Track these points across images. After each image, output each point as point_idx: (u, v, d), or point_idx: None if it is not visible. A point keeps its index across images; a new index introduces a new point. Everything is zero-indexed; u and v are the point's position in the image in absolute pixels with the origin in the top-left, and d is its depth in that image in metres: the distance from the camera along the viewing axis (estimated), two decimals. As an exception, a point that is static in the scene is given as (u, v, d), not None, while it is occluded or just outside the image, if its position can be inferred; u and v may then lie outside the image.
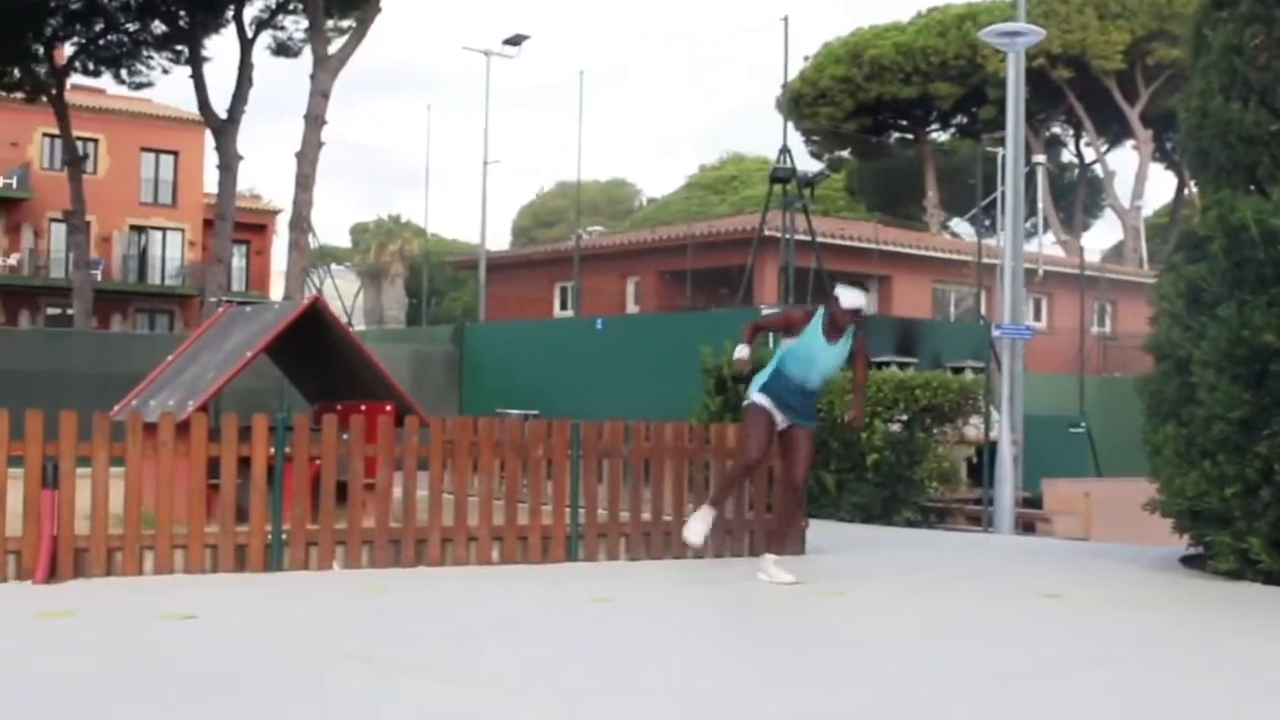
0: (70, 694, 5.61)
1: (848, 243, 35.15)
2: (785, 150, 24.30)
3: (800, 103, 53.43)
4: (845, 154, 61.03)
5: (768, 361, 9.95)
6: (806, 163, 49.10)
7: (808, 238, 24.37)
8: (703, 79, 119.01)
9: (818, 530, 11.81)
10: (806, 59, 55.93)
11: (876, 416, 15.59)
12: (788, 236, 22.94)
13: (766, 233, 27.11)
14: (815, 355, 9.55)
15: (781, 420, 9.63)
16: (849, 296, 9.55)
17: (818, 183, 30.77)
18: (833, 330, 9.54)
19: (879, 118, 56.17)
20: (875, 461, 15.48)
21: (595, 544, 10.59)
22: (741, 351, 9.63)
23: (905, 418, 15.86)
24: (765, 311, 9.87)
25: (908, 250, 38.25)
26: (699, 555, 10.78)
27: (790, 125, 38.41)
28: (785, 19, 26.66)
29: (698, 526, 9.81)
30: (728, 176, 70.21)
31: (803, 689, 6.00)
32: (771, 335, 11.03)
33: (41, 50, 36.06)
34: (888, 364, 19.08)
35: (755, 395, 9.68)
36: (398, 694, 5.77)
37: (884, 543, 12.95)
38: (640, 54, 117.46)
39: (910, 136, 58.52)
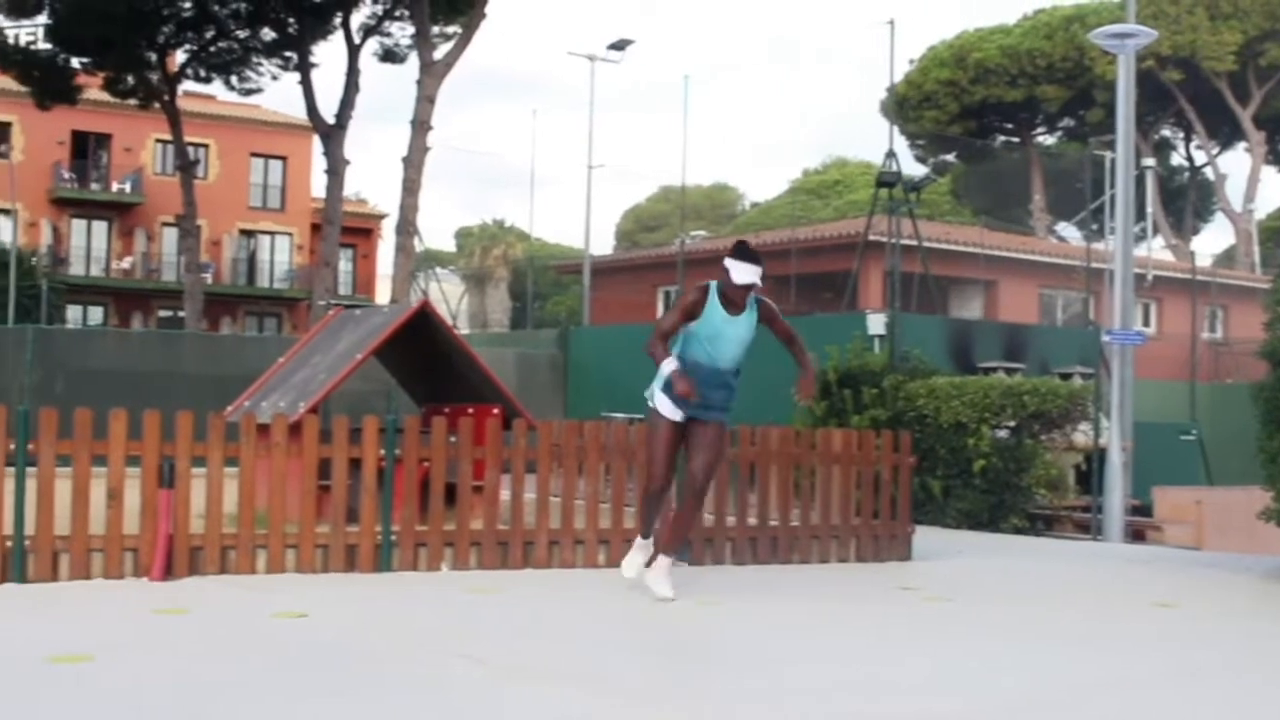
0: (186, 689, 5.69)
1: (953, 247, 34.84)
2: (891, 154, 24.13)
3: (905, 106, 53.12)
4: (950, 158, 60.62)
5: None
6: (911, 166, 48.92)
7: (913, 242, 24.19)
8: (806, 83, 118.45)
9: (924, 536, 11.76)
10: (911, 62, 55.62)
11: (984, 422, 15.46)
12: (893, 241, 22.74)
13: (871, 237, 26.96)
14: (720, 330, 8.63)
15: (688, 413, 8.68)
16: (740, 271, 8.55)
17: (924, 187, 30.57)
18: (729, 305, 8.62)
19: (984, 121, 55.72)
20: (982, 467, 15.36)
21: (702, 548, 10.59)
22: (669, 365, 8.49)
23: (1013, 424, 15.71)
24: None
25: (1014, 255, 37.82)
26: (804, 560, 10.79)
27: (895, 129, 38.16)
28: (891, 22, 26.54)
29: (635, 558, 8.89)
30: (831, 181, 69.87)
31: (917, 700, 5.97)
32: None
33: (154, 58, 36.65)
34: (994, 369, 18.91)
35: (656, 397, 8.80)
36: (513, 695, 5.80)
37: (991, 550, 12.85)
38: (744, 58, 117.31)
39: (1016, 140, 57.99)
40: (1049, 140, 58.55)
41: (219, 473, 8.97)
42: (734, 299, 8.62)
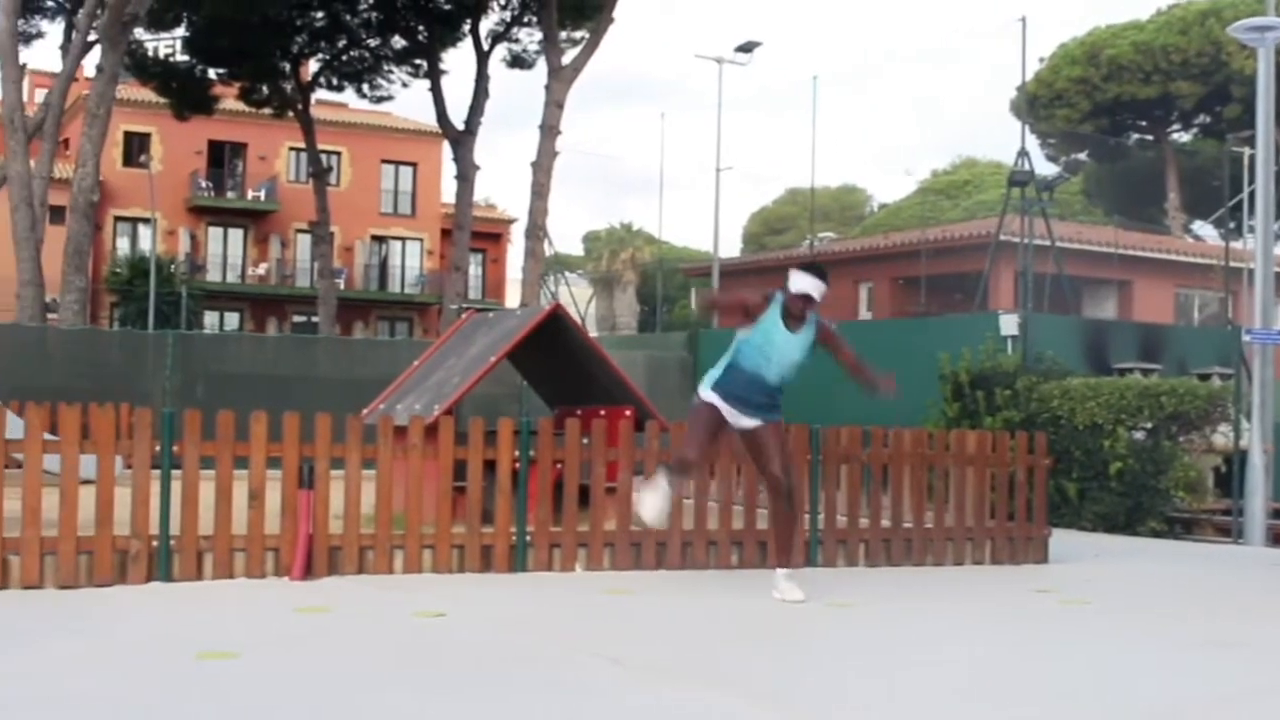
0: (330, 686, 5.79)
1: (1087, 247, 34.39)
2: (1023, 153, 23.88)
3: (1035, 105, 52.44)
4: (1082, 156, 59.73)
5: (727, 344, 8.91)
6: (1043, 166, 48.27)
7: (1046, 242, 23.92)
8: (935, 82, 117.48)
9: (1060, 539, 11.63)
10: (1042, 60, 54.89)
11: (1120, 424, 15.22)
12: (1026, 241, 22.50)
13: (1002, 237, 26.69)
14: (774, 345, 8.53)
15: (737, 417, 8.68)
16: (798, 281, 8.47)
17: (1056, 186, 30.22)
18: (791, 319, 8.53)
19: (1117, 119, 54.78)
20: (1118, 470, 15.12)
21: (834, 549, 10.56)
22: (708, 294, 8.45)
23: (1150, 425, 15.44)
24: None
25: (1149, 254, 37.26)
26: (938, 562, 10.72)
27: (1026, 128, 37.72)
28: (1023, 20, 26.26)
29: (653, 502, 8.58)
30: (960, 181, 69.16)
31: (1053, 706, 5.91)
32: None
33: (288, 67, 37.35)
34: (1130, 370, 18.60)
35: (704, 391, 8.74)
36: (650, 695, 5.83)
37: (1129, 553, 12.65)
38: (872, 58, 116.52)
39: (1150, 137, 56.96)
40: (1184, 138, 57.46)
41: (357, 474, 9.10)
42: (792, 312, 8.53)
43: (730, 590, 9.11)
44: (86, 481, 8.40)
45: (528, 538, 9.55)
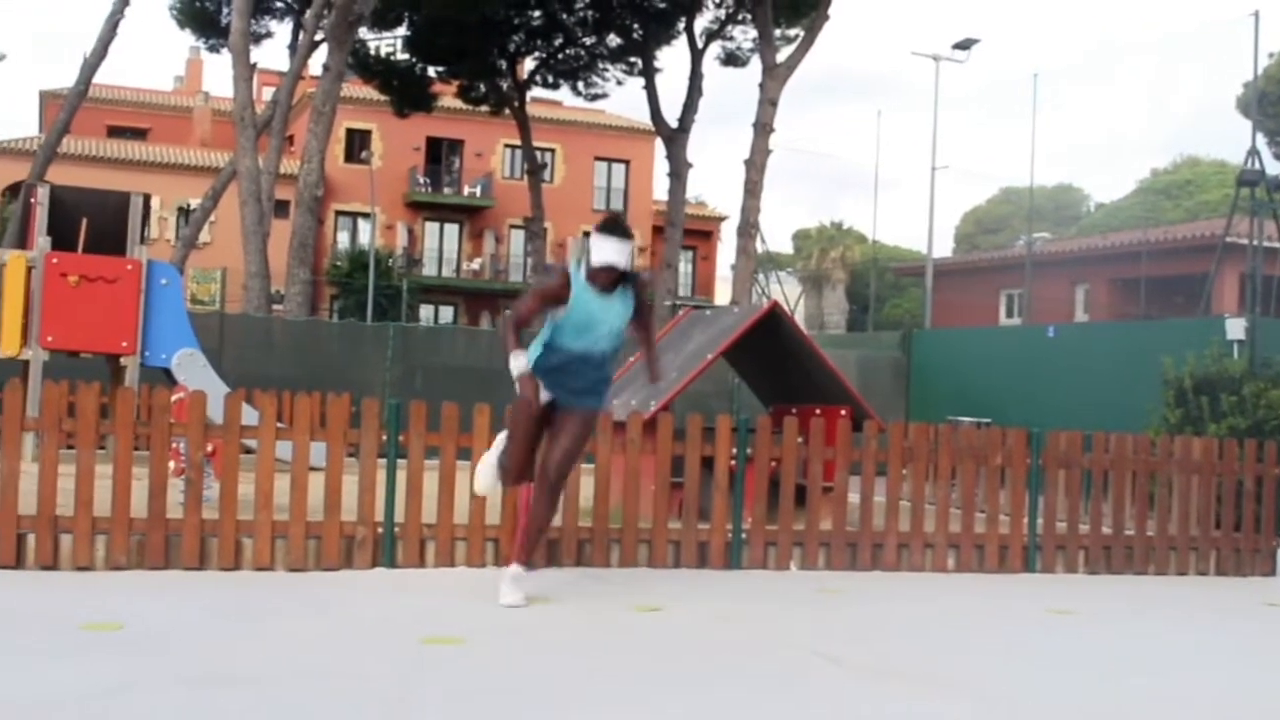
0: (550, 674, 5.89)
1: (1318, 249, 33.23)
2: (1254, 152, 23.17)
3: (1264, 101, 50.71)
4: (1314, 155, 57.66)
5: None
6: (1273, 165, 46.72)
7: (1277, 244, 23.16)
8: (1156, 78, 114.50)
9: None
10: (1271, 56, 53.08)
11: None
12: (1255, 243, 21.83)
13: (1229, 239, 25.91)
14: (595, 315, 7.54)
15: (553, 398, 7.69)
16: (598, 250, 7.45)
17: (1288, 186, 29.19)
18: (599, 287, 7.55)
19: (1351, 117, 52.73)
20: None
21: (1053, 556, 10.38)
22: (518, 363, 7.45)
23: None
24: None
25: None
26: (1160, 571, 10.47)
27: (1254, 126, 36.52)
28: (1255, 14, 25.42)
29: (486, 473, 7.99)
30: (1181, 180, 67.25)
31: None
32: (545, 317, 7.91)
33: (505, 65, 37.91)
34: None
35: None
36: (870, 695, 5.80)
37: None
38: (1090, 54, 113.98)
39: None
40: None
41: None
42: (600, 284, 7.55)
43: (946, 593, 9.02)
44: (315, 468, 8.65)
45: (743, 535, 9.56)
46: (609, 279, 7.51)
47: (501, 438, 7.96)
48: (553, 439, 7.75)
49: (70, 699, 5.02)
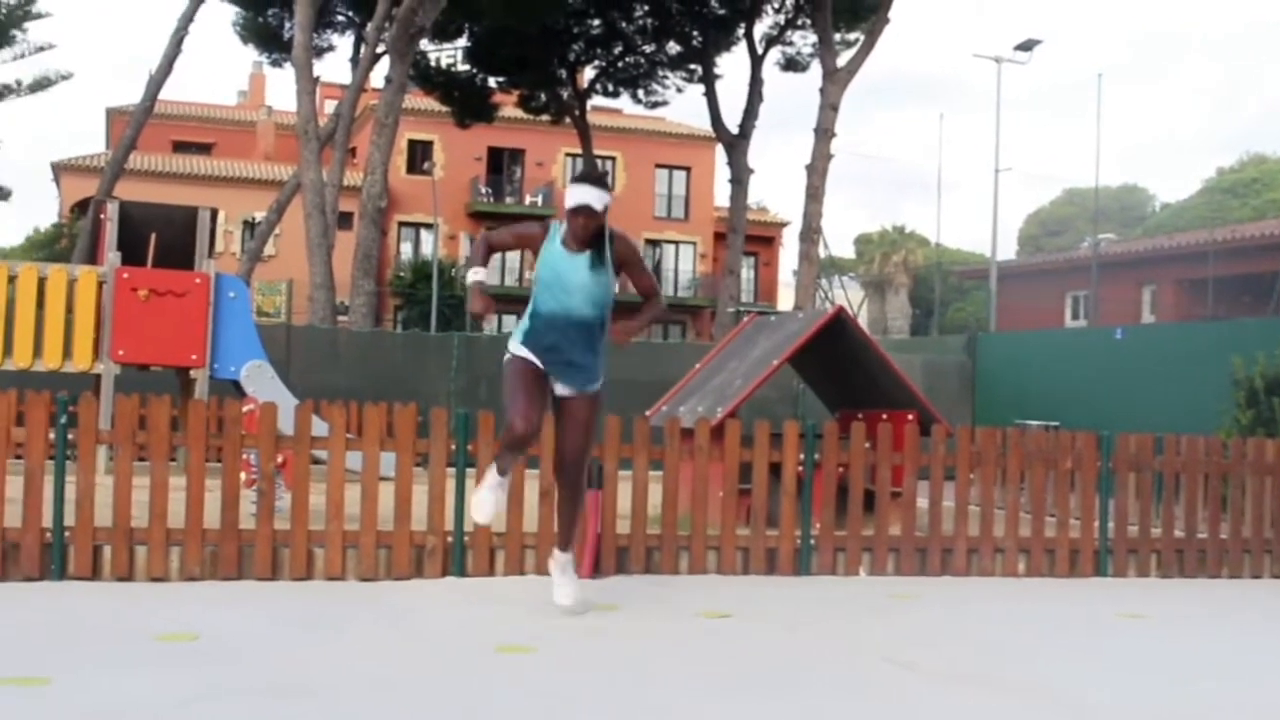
0: (621, 680, 5.91)
1: (1390, 247, 32.81)
2: (1321, 149, 22.87)
3: (1332, 99, 50.14)
4: (1382, 152, 57.00)
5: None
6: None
7: (1347, 242, 22.89)
8: (1220, 77, 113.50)
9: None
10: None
11: None
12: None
13: (1299, 237, 25.63)
14: (563, 275, 7.17)
15: (552, 378, 7.38)
16: (572, 193, 7.15)
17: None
18: (573, 241, 7.21)
19: None
20: None
21: (1124, 559, 10.29)
22: (475, 275, 7.20)
23: None
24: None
25: None
26: (1234, 575, 10.35)
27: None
28: (1321, 10, 25.08)
29: (485, 495, 7.48)
30: (1248, 179, 66.64)
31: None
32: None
33: (565, 75, 38.04)
34: None
35: (514, 346, 7.40)
36: (948, 701, 5.76)
37: None
38: (1153, 53, 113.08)
39: None
40: None
41: (644, 475, 9.23)
42: (575, 233, 7.19)
43: (1017, 597, 8.97)
44: (385, 478, 8.70)
45: (812, 541, 9.54)
46: (583, 231, 7.14)
47: (492, 471, 7.53)
48: (559, 432, 7.58)
49: (147, 709, 5.07)
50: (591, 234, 7.17)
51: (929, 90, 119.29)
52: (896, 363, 12.30)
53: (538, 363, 7.28)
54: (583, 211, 7.09)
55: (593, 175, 7.25)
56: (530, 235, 7.38)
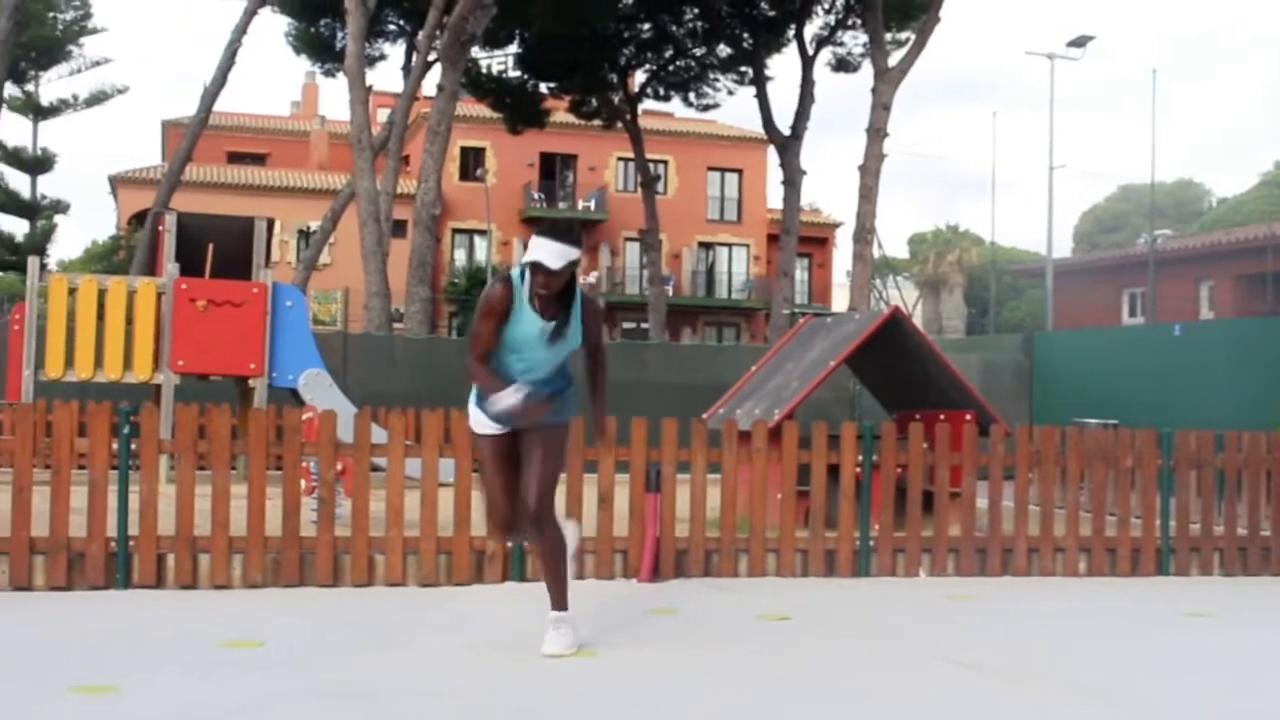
0: (682, 683, 5.92)
1: None
2: (1381, 141, 22.61)
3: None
4: None
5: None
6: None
7: None
8: (1277, 71, 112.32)
9: None
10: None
11: None
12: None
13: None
14: (531, 340, 6.40)
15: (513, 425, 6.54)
16: (533, 249, 6.26)
17: None
18: (537, 300, 6.38)
19: None
20: None
21: (1187, 558, 10.20)
22: (506, 396, 6.23)
23: None
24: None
25: None
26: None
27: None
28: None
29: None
30: (1307, 172, 66.01)
31: None
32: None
33: (616, 79, 38.09)
34: None
35: (475, 424, 6.74)
36: (1012, 703, 5.74)
37: None
38: (1209, 48, 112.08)
39: None
40: None
41: (702, 478, 9.22)
42: (536, 291, 6.35)
43: (1079, 597, 8.90)
44: (444, 484, 8.74)
45: (871, 543, 9.51)
46: (544, 289, 6.30)
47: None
48: (523, 469, 6.61)
49: (215, 715, 5.12)
50: (553, 293, 6.37)
51: (982, 88, 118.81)
52: (953, 363, 12.24)
53: (504, 430, 6.61)
54: (539, 269, 6.25)
55: (555, 229, 6.33)
56: (497, 304, 6.36)
